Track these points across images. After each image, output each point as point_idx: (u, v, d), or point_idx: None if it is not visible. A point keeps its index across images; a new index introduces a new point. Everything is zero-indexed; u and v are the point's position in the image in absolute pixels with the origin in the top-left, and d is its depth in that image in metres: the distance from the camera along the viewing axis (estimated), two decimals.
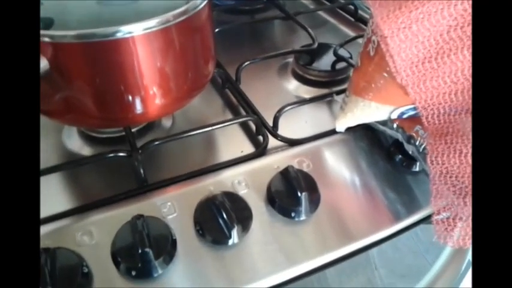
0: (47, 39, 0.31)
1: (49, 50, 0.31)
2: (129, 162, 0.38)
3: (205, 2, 0.36)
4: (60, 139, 0.44)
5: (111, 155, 0.36)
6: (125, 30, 0.31)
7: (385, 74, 0.34)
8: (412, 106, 0.34)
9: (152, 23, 0.32)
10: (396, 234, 0.38)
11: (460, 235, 0.32)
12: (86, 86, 0.34)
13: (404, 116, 0.36)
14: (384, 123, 0.38)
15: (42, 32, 0.31)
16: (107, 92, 0.34)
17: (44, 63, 0.31)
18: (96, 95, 0.34)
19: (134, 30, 0.32)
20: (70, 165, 0.35)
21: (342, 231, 0.36)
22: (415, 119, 0.36)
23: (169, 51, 0.35)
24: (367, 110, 0.36)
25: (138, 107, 0.36)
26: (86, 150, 0.43)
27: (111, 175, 0.39)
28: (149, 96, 0.36)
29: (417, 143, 0.36)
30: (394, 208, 0.38)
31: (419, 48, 0.31)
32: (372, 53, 0.35)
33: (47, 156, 0.41)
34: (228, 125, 0.41)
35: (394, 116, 0.36)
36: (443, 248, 0.52)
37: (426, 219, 0.39)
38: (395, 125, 0.38)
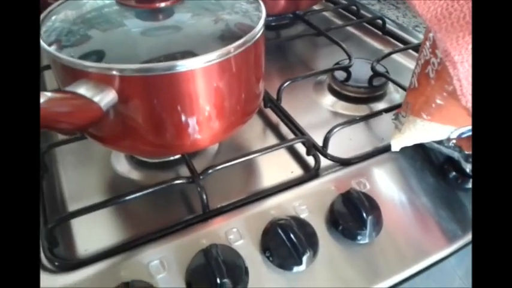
0: (115, 72, 0.31)
1: (116, 82, 0.31)
2: (179, 188, 0.38)
3: (262, 30, 0.36)
4: (109, 162, 0.44)
5: (176, 182, 0.36)
6: (187, 64, 0.31)
7: (445, 95, 0.34)
8: None
9: (213, 56, 0.32)
10: (455, 252, 0.38)
11: None
12: (146, 116, 0.34)
13: (463, 136, 0.36)
14: (439, 141, 0.39)
15: (110, 65, 0.31)
16: (166, 121, 0.34)
17: (113, 95, 0.31)
18: (155, 124, 0.34)
19: (196, 64, 0.32)
20: (134, 193, 0.35)
21: (403, 252, 0.36)
22: None
23: (226, 80, 0.35)
24: (426, 130, 0.37)
25: (195, 135, 0.36)
26: (134, 175, 0.43)
27: (164, 202, 0.39)
28: (206, 123, 0.36)
29: None
30: (450, 227, 0.38)
31: None
32: (431, 75, 0.35)
33: (98, 180, 0.42)
34: (282, 147, 0.41)
35: (454, 136, 0.36)
36: None
37: None
38: (451, 144, 0.38)
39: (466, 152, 0.37)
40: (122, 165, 0.44)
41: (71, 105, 0.29)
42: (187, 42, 0.35)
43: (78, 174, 0.42)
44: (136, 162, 0.43)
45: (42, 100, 0.27)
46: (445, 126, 0.36)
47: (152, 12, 0.37)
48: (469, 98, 0.32)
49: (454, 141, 0.37)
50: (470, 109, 0.32)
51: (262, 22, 0.36)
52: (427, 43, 0.36)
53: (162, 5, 0.36)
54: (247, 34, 0.34)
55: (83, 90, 0.30)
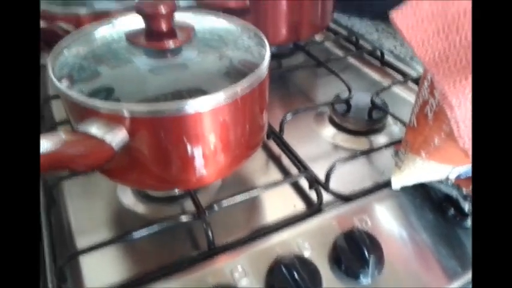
0: (126, 112, 0.32)
1: (127, 122, 0.32)
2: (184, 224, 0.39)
3: (267, 68, 0.37)
4: (115, 195, 0.44)
5: (183, 219, 0.37)
6: (196, 106, 0.32)
7: (443, 135, 0.35)
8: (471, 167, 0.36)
9: (220, 98, 0.33)
10: None
11: None
12: (154, 154, 0.34)
13: (462, 177, 0.37)
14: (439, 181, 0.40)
15: (121, 105, 0.32)
16: (173, 159, 0.35)
17: (124, 134, 0.32)
18: (162, 162, 0.35)
19: (204, 106, 0.33)
20: (141, 230, 0.36)
21: None
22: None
23: (233, 119, 0.36)
24: (425, 169, 0.38)
25: (202, 172, 0.36)
26: (140, 208, 0.43)
27: (169, 237, 0.39)
28: (212, 160, 0.36)
29: None
30: (450, 264, 0.39)
31: None
32: (430, 116, 0.36)
33: (105, 213, 0.42)
34: (286, 182, 0.42)
35: (452, 176, 0.37)
36: None
37: None
38: (450, 182, 0.39)
39: (464, 192, 0.38)
40: (128, 198, 0.44)
41: (84, 147, 0.30)
42: (195, 81, 0.36)
43: (85, 207, 0.43)
44: (142, 196, 0.44)
45: (57, 142, 0.28)
46: (443, 165, 0.37)
47: (160, 50, 0.38)
48: (467, 140, 0.33)
49: (453, 180, 0.38)
50: (469, 150, 0.34)
51: (267, 60, 0.37)
52: (425, 83, 0.37)
53: (171, 45, 0.37)
54: (253, 72, 0.35)
55: (94, 129, 0.31)
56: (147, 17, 0.36)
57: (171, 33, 0.36)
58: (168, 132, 0.33)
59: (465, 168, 0.37)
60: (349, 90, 0.57)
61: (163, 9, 0.35)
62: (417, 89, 0.58)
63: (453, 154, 0.36)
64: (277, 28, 0.61)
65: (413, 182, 0.40)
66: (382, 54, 0.67)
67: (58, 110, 0.56)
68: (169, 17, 0.36)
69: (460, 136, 0.33)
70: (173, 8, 0.36)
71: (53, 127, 0.51)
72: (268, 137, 0.51)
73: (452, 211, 0.40)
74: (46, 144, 0.27)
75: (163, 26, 0.36)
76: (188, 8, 0.66)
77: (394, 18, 0.34)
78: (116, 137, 0.32)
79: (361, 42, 0.73)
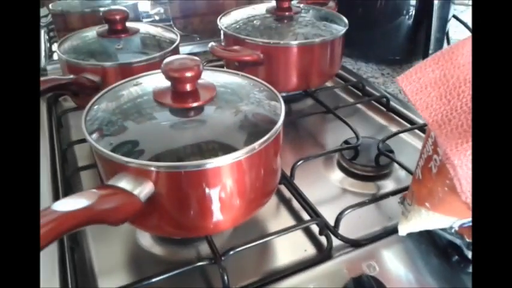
0: (153, 168, 0.35)
1: (153, 176, 0.35)
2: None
3: (282, 124, 0.40)
4: (134, 236, 0.47)
5: (200, 263, 0.39)
6: (216, 162, 0.35)
7: (447, 189, 0.38)
8: None
9: (239, 154, 0.36)
10: None
11: None
12: (176, 204, 0.37)
13: (466, 225, 0.40)
14: (442, 228, 0.42)
15: (149, 162, 0.35)
16: (193, 208, 0.37)
17: (150, 187, 0.35)
18: (183, 211, 0.38)
19: (224, 161, 0.36)
20: (159, 275, 0.38)
21: None
22: None
23: (250, 171, 0.38)
24: (430, 220, 0.40)
25: (219, 219, 0.39)
26: (156, 249, 0.46)
27: (184, 280, 0.41)
28: (230, 208, 0.39)
29: None
30: None
31: None
32: (434, 170, 0.39)
33: (124, 253, 0.45)
34: (299, 228, 0.45)
35: (456, 225, 0.40)
36: None
37: None
38: (453, 230, 0.41)
39: (468, 240, 0.40)
40: (146, 240, 0.47)
41: (116, 201, 0.33)
42: (215, 136, 0.39)
43: (107, 248, 0.45)
44: (159, 238, 0.47)
45: (92, 198, 0.31)
46: (448, 217, 0.39)
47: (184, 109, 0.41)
48: (468, 195, 0.35)
49: (457, 229, 0.41)
50: (470, 204, 0.36)
51: (282, 117, 0.40)
52: (430, 140, 0.40)
53: (195, 105, 0.40)
54: (270, 130, 0.38)
55: (123, 183, 0.34)
56: (173, 80, 0.40)
57: (195, 94, 0.40)
58: (190, 183, 0.36)
59: (469, 220, 0.39)
60: (357, 137, 0.59)
61: (189, 74, 0.38)
62: (422, 135, 0.61)
63: (456, 207, 0.38)
64: (289, 78, 0.65)
65: (419, 229, 0.42)
66: (388, 100, 0.71)
67: (81, 155, 0.59)
68: (194, 80, 0.39)
69: (462, 192, 0.36)
70: (198, 73, 0.39)
71: (75, 171, 0.54)
72: (280, 182, 0.53)
73: (456, 257, 0.42)
74: (83, 200, 0.30)
75: (188, 88, 0.39)
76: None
77: (400, 83, 0.37)
78: (144, 190, 0.34)
79: (367, 88, 0.76)
